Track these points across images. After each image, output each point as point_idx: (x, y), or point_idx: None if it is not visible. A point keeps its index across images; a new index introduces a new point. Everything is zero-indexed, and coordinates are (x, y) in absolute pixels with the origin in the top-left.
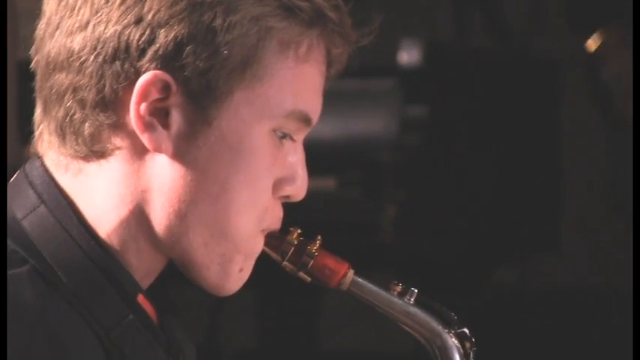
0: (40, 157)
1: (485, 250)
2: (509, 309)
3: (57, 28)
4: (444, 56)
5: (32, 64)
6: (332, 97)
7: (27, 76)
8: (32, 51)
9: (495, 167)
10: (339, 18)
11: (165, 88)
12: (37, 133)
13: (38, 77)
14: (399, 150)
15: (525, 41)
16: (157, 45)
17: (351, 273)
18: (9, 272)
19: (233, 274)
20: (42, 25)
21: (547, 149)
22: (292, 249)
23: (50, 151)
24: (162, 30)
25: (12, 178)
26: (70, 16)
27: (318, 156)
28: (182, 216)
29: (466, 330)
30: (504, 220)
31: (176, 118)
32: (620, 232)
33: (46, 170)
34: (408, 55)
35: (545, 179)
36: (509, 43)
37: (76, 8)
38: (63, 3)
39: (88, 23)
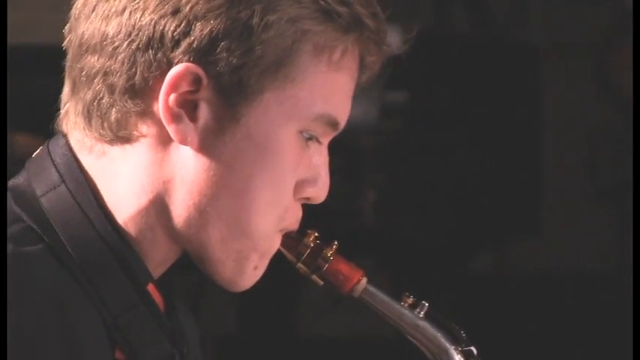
0: (64, 136)
1: (467, 234)
2: (490, 292)
3: (93, 10)
4: (424, 43)
5: (65, 43)
6: None
7: (9, 64)
8: (66, 30)
9: (476, 152)
10: (376, 26)
11: (196, 82)
12: (62, 112)
13: (69, 57)
14: (379, 135)
15: (506, 28)
16: (192, 38)
17: (364, 281)
18: (24, 249)
19: (247, 271)
20: (78, 4)
21: (528, 135)
22: (308, 251)
23: (75, 131)
24: (199, 23)
25: (35, 153)
26: (107, 0)
27: None
28: (202, 210)
29: (473, 349)
30: (485, 205)
31: (204, 112)
32: (601, 216)
33: (70, 149)
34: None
35: (526, 164)
36: (490, 30)
37: None
38: None
39: (124, 9)
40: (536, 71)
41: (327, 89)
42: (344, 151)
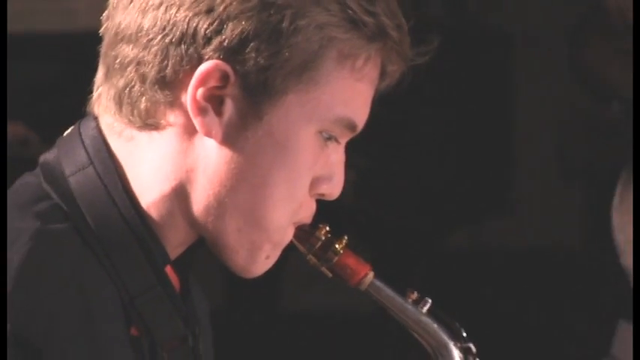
0: (95, 118)
1: (444, 213)
2: (466, 267)
3: (131, 2)
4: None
5: (101, 30)
6: None
7: (11, 50)
8: (104, 17)
9: (451, 135)
10: (400, 37)
11: (224, 78)
12: (95, 95)
13: (105, 43)
14: None
15: (479, 15)
16: (223, 36)
17: (371, 275)
18: (51, 226)
19: (259, 260)
20: None
21: (500, 118)
22: (319, 244)
23: (106, 114)
24: (231, 23)
25: (65, 133)
26: None
27: None
28: (221, 200)
29: (472, 346)
30: (461, 185)
31: (229, 108)
32: (569, 196)
33: (100, 132)
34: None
35: (500, 147)
36: (463, 17)
37: None
38: None
39: (161, 4)
40: (508, 56)
41: (348, 94)
42: None
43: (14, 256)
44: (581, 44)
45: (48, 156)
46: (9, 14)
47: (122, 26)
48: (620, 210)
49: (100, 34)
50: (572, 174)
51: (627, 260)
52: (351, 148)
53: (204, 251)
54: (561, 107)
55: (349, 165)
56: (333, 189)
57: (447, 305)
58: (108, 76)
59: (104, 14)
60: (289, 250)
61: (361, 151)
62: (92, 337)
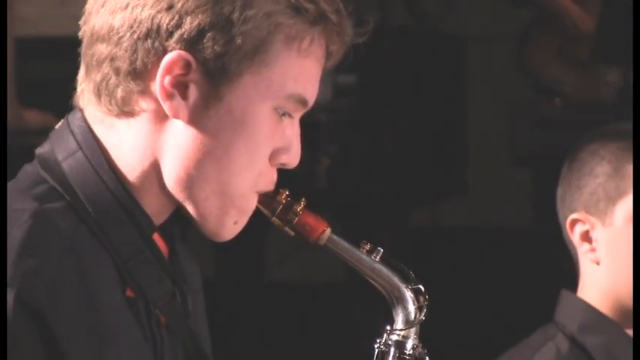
0: (81, 110)
1: (407, 194)
2: (426, 242)
3: (102, 6)
4: (370, 35)
5: (80, 33)
6: None
7: (22, 52)
8: (81, 22)
9: (413, 126)
10: (339, 20)
11: (187, 66)
12: (79, 90)
13: (83, 45)
14: (332, 112)
15: (438, 20)
16: (183, 29)
17: (328, 231)
18: (47, 205)
19: (227, 225)
20: (91, 1)
21: (457, 110)
22: (280, 207)
23: (89, 106)
24: (189, 17)
25: (57, 125)
26: None
27: None
28: (189, 172)
29: (421, 286)
30: (420, 169)
31: (193, 92)
32: (518, 179)
33: (85, 121)
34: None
35: (456, 135)
36: (425, 22)
37: None
38: None
39: (128, 5)
40: (463, 57)
41: (296, 73)
42: (303, 125)
43: (16, 232)
44: (525, 46)
45: (42, 149)
46: (26, 20)
47: (96, 28)
48: (562, 191)
49: (80, 37)
50: (520, 160)
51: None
52: (325, 138)
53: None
54: (511, 101)
55: (324, 153)
56: (292, 159)
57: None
58: (87, 72)
59: (81, 20)
60: (269, 226)
61: (334, 140)
62: (91, 300)
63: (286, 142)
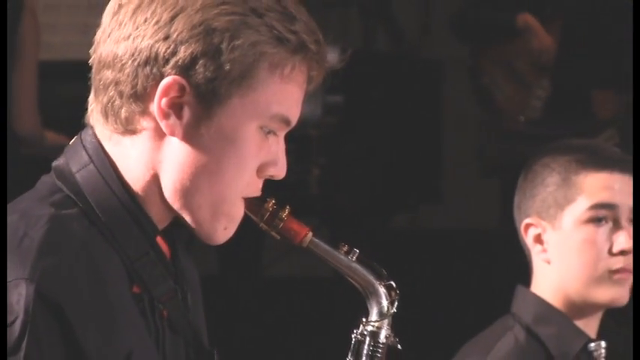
0: (91, 128)
1: (387, 201)
2: (405, 244)
3: (108, 37)
4: (355, 58)
5: (90, 61)
6: None
7: (45, 75)
8: (91, 51)
9: (393, 140)
10: (318, 49)
11: (181, 89)
12: (89, 110)
13: (93, 71)
14: (322, 128)
15: (416, 47)
16: (178, 57)
17: (310, 234)
18: (63, 211)
19: (219, 231)
20: (99, 32)
21: (432, 126)
22: (268, 214)
23: (98, 124)
24: (183, 46)
25: (71, 141)
26: (118, 29)
27: None
28: (184, 183)
29: (392, 283)
30: (400, 179)
31: (187, 112)
32: (487, 188)
33: (95, 137)
34: (328, 58)
35: (431, 149)
36: (403, 48)
37: (123, 24)
38: (114, 19)
39: (129, 36)
40: (437, 78)
41: (280, 96)
42: (296, 139)
43: (35, 234)
44: (477, 70)
45: (58, 162)
46: (52, 46)
47: (103, 55)
48: (518, 199)
49: (90, 64)
50: (489, 170)
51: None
52: (315, 151)
53: None
54: (480, 117)
55: (314, 164)
56: (279, 171)
57: (390, 271)
58: (96, 95)
59: (92, 49)
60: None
61: (323, 153)
62: (102, 295)
63: (273, 156)
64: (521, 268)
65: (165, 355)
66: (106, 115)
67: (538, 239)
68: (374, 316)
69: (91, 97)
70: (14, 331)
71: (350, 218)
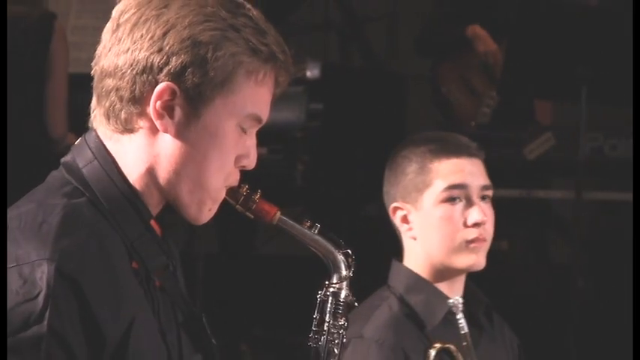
0: (94, 130)
1: (359, 192)
2: (375, 228)
3: (109, 51)
4: (334, 73)
5: (92, 72)
6: None
7: (75, 86)
8: (93, 63)
9: (365, 141)
10: (285, 58)
11: (173, 93)
12: (92, 115)
13: (95, 80)
14: (306, 131)
15: (384, 63)
16: (170, 66)
17: (278, 213)
18: (74, 201)
19: (204, 212)
20: (100, 48)
21: (398, 129)
22: (242, 197)
23: (101, 126)
24: (174, 57)
25: (77, 141)
26: (118, 44)
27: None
28: (177, 173)
29: (349, 250)
30: (371, 173)
31: (178, 112)
32: None
33: (98, 138)
34: (311, 72)
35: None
36: (374, 64)
37: (122, 40)
38: (114, 36)
39: (128, 49)
40: (403, 89)
41: (254, 98)
42: (284, 140)
43: (52, 220)
44: (436, 82)
45: (66, 158)
46: (79, 61)
47: (105, 66)
48: (386, 187)
49: (92, 75)
50: None
51: None
52: (300, 150)
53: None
54: (439, 123)
55: (299, 160)
56: (251, 162)
57: (363, 251)
58: (99, 100)
59: (93, 62)
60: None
61: (307, 152)
62: (111, 270)
63: (246, 150)
64: (390, 245)
65: (160, 319)
66: (107, 117)
67: (405, 219)
68: (334, 279)
69: (94, 104)
70: (38, 302)
71: (329, 206)
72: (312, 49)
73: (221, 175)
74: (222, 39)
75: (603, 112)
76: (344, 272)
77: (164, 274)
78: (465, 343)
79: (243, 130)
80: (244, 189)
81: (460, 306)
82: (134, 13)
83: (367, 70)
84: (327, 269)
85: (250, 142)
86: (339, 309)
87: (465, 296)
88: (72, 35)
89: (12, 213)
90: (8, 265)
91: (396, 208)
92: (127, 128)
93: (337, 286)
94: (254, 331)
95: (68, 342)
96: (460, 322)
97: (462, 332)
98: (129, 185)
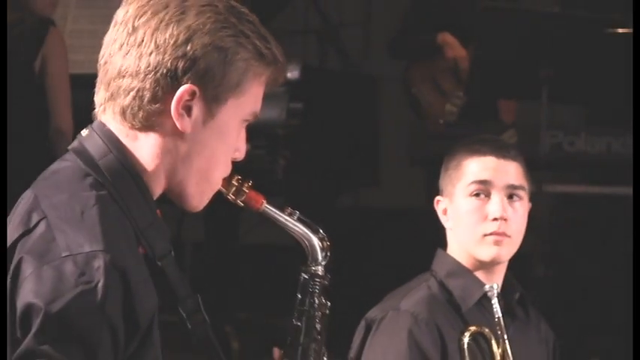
0: (103, 123)
1: (335, 185)
2: (349, 219)
3: (127, 52)
4: (312, 74)
5: (101, 67)
6: None
7: (76, 85)
8: (102, 61)
9: (342, 138)
10: (283, 61)
11: (193, 94)
12: (100, 109)
13: (108, 76)
14: (286, 128)
15: (360, 66)
16: (193, 69)
17: (265, 202)
18: (100, 193)
19: (204, 201)
20: (111, 47)
21: (372, 126)
22: (234, 187)
23: (114, 122)
24: (197, 61)
25: (83, 132)
26: (139, 47)
27: None
28: (188, 167)
29: (324, 234)
30: (347, 167)
31: (196, 112)
32: (415, 175)
33: (111, 132)
34: (291, 73)
35: (371, 143)
36: (350, 66)
37: (144, 43)
38: (132, 38)
39: (151, 53)
40: (377, 90)
41: (256, 97)
42: (266, 137)
43: (92, 212)
44: (407, 83)
45: (75, 146)
46: (77, 63)
47: (124, 67)
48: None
49: (98, 68)
50: (416, 161)
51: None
52: (281, 146)
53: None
54: (409, 120)
55: (281, 155)
56: (242, 154)
57: (338, 240)
58: (113, 97)
59: (103, 58)
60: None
61: (288, 147)
62: (138, 258)
63: (241, 143)
64: (439, 236)
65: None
66: (123, 114)
67: (445, 212)
68: (312, 261)
69: (103, 98)
70: (98, 291)
71: (307, 197)
72: (292, 52)
73: (224, 168)
74: (236, 44)
75: (562, 111)
76: (320, 255)
77: (167, 258)
78: (498, 329)
79: (242, 126)
80: (236, 179)
81: (495, 292)
82: (151, 18)
83: (343, 72)
84: (304, 254)
85: (243, 134)
86: (317, 288)
87: (503, 285)
88: (69, 38)
89: (44, 203)
90: (62, 254)
91: (438, 201)
92: (146, 125)
93: (314, 267)
94: (238, 314)
95: (116, 328)
96: (495, 306)
97: (496, 317)
98: (143, 180)
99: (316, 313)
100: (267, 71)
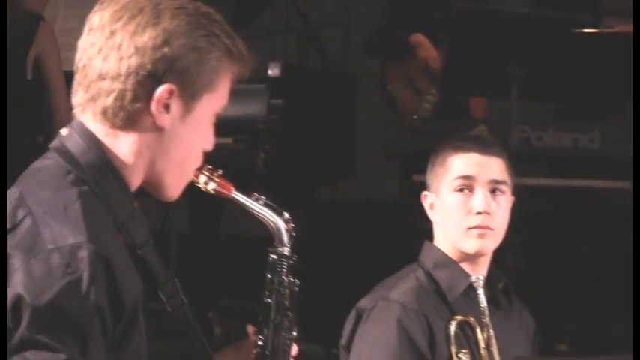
0: (82, 122)
1: (313, 177)
2: (327, 211)
3: (107, 56)
4: (292, 72)
5: (79, 69)
6: (236, 94)
7: (69, 82)
8: (80, 64)
9: (320, 133)
10: (249, 57)
11: (171, 92)
12: (79, 109)
13: (87, 78)
14: (267, 123)
15: (337, 64)
16: (170, 70)
17: (234, 189)
18: (82, 188)
19: (179, 191)
20: (91, 50)
21: (349, 122)
22: (206, 177)
23: (94, 122)
24: (174, 62)
25: (62, 131)
26: (118, 50)
27: (221, 124)
28: (167, 159)
29: (289, 217)
30: (325, 160)
31: (174, 109)
32: (389, 169)
33: (90, 131)
34: (272, 71)
35: (349, 138)
36: (328, 65)
37: (122, 46)
38: (111, 41)
39: (131, 56)
40: (354, 88)
41: (225, 92)
42: (247, 131)
43: (75, 206)
44: (383, 81)
45: (56, 145)
46: (69, 60)
47: (105, 69)
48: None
49: (75, 71)
50: (392, 157)
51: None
52: (262, 140)
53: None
54: (385, 117)
55: (261, 149)
56: (212, 145)
57: (313, 231)
58: (94, 99)
59: (81, 61)
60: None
61: (268, 142)
62: (121, 248)
63: (211, 135)
64: (422, 228)
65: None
66: (104, 114)
67: (431, 206)
68: (279, 243)
69: (82, 99)
70: (84, 280)
71: (286, 189)
72: (273, 51)
73: (198, 159)
74: (209, 44)
75: (531, 108)
76: (286, 236)
77: (147, 246)
78: (483, 317)
79: (214, 119)
80: (206, 168)
81: (481, 283)
82: (128, 22)
83: (322, 70)
84: (271, 236)
85: (212, 127)
86: (284, 268)
87: (487, 276)
88: (59, 37)
89: (29, 200)
90: (48, 247)
91: (425, 196)
92: (126, 124)
93: (281, 248)
94: (220, 302)
95: (104, 314)
96: (480, 296)
97: (481, 306)
98: (122, 175)
99: (285, 291)
100: (235, 67)
